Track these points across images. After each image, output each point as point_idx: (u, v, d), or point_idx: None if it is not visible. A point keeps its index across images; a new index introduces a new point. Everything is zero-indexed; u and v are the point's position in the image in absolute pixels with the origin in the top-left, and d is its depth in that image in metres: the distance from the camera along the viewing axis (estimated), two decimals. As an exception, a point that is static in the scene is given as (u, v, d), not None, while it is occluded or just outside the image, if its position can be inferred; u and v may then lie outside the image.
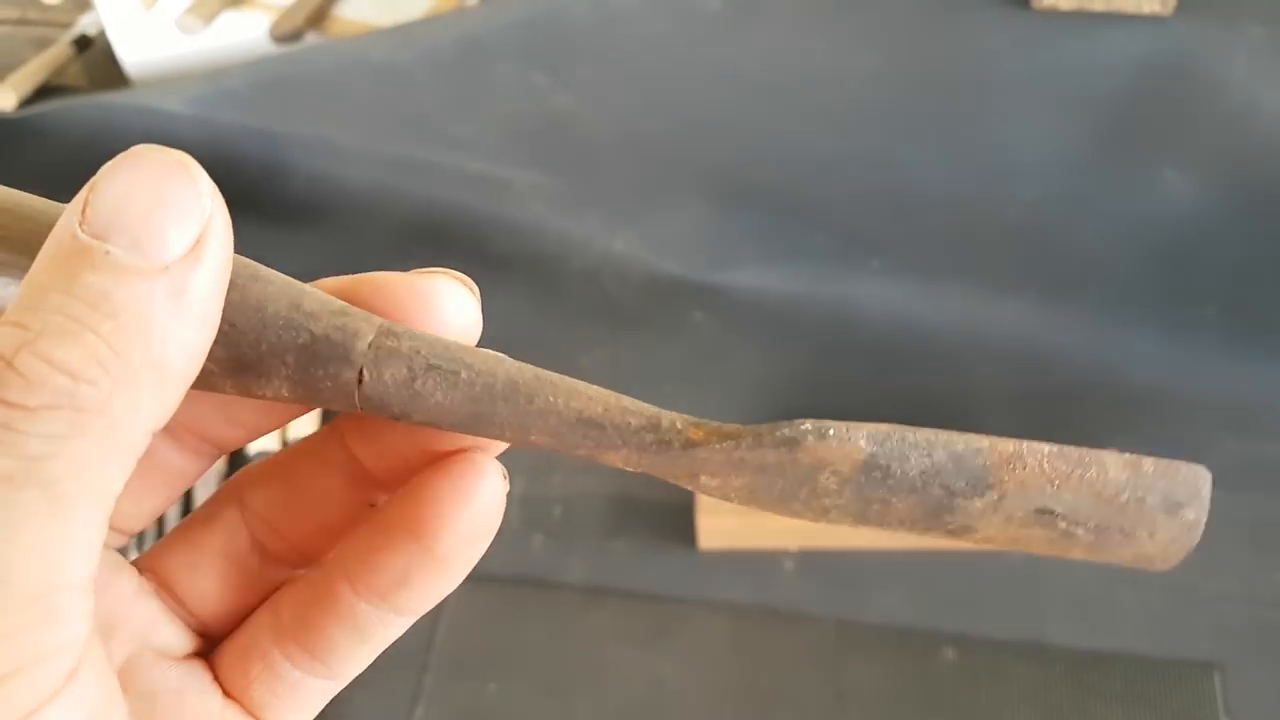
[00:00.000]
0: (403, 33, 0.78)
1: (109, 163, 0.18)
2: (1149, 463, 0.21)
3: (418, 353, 0.20)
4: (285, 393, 0.20)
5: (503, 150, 0.79)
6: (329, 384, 0.20)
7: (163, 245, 0.17)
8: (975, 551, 0.68)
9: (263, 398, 0.20)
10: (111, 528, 0.22)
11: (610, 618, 0.66)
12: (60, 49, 0.91)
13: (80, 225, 0.17)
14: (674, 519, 0.69)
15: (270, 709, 0.22)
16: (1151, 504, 0.21)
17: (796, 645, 0.65)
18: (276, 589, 0.23)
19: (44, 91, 0.88)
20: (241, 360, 0.20)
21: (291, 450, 0.24)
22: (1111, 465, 0.21)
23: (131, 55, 0.88)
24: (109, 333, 0.16)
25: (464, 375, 0.20)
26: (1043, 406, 0.74)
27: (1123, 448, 0.74)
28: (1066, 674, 0.63)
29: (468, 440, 0.22)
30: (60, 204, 0.20)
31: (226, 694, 0.22)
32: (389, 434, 0.22)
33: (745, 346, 0.79)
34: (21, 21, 0.96)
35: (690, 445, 0.21)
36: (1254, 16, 0.64)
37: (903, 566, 0.68)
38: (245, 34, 0.84)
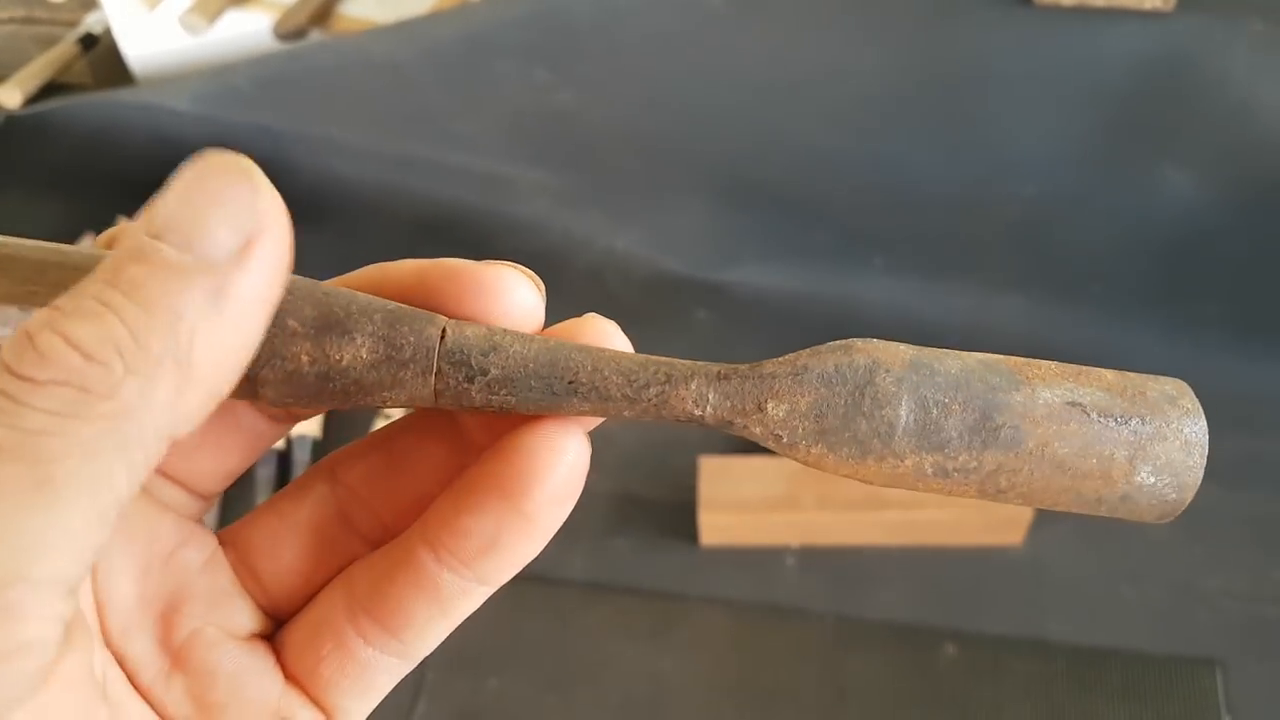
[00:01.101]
0: (405, 30, 0.78)
1: (184, 170, 0.18)
2: (1129, 374, 0.22)
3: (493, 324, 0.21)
4: (364, 353, 0.20)
5: (506, 148, 0.79)
6: (411, 339, 0.20)
7: (210, 244, 0.17)
8: (975, 547, 0.68)
9: (338, 362, 0.20)
10: (188, 490, 0.22)
11: (611, 613, 0.66)
12: (66, 47, 0.91)
13: (145, 235, 0.17)
14: (676, 516, 0.69)
15: (337, 689, 0.22)
16: (1151, 395, 0.21)
17: (797, 641, 0.65)
18: (349, 564, 0.23)
19: (50, 89, 0.88)
20: (330, 319, 0.20)
21: (392, 426, 0.23)
22: (1102, 370, 0.22)
23: (136, 53, 0.89)
24: (133, 319, 0.16)
25: (537, 335, 0.21)
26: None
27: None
28: (1067, 670, 0.63)
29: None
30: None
31: (289, 677, 0.22)
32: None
33: (748, 344, 0.80)
34: (27, 20, 0.97)
35: (756, 368, 0.22)
36: (1255, 12, 0.64)
37: (904, 562, 0.68)
38: (248, 32, 0.84)
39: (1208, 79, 0.65)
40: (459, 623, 0.22)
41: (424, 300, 0.21)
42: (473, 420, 0.23)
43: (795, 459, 0.22)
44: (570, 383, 0.21)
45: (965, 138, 0.73)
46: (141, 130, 0.85)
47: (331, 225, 0.85)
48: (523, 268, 0.22)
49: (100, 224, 0.83)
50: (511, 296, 0.22)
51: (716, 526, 0.67)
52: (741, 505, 0.67)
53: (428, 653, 0.22)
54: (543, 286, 0.23)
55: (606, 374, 0.21)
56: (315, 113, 0.80)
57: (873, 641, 0.65)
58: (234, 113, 0.82)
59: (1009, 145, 0.72)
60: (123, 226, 0.22)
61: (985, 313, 0.78)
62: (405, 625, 0.21)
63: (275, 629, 0.23)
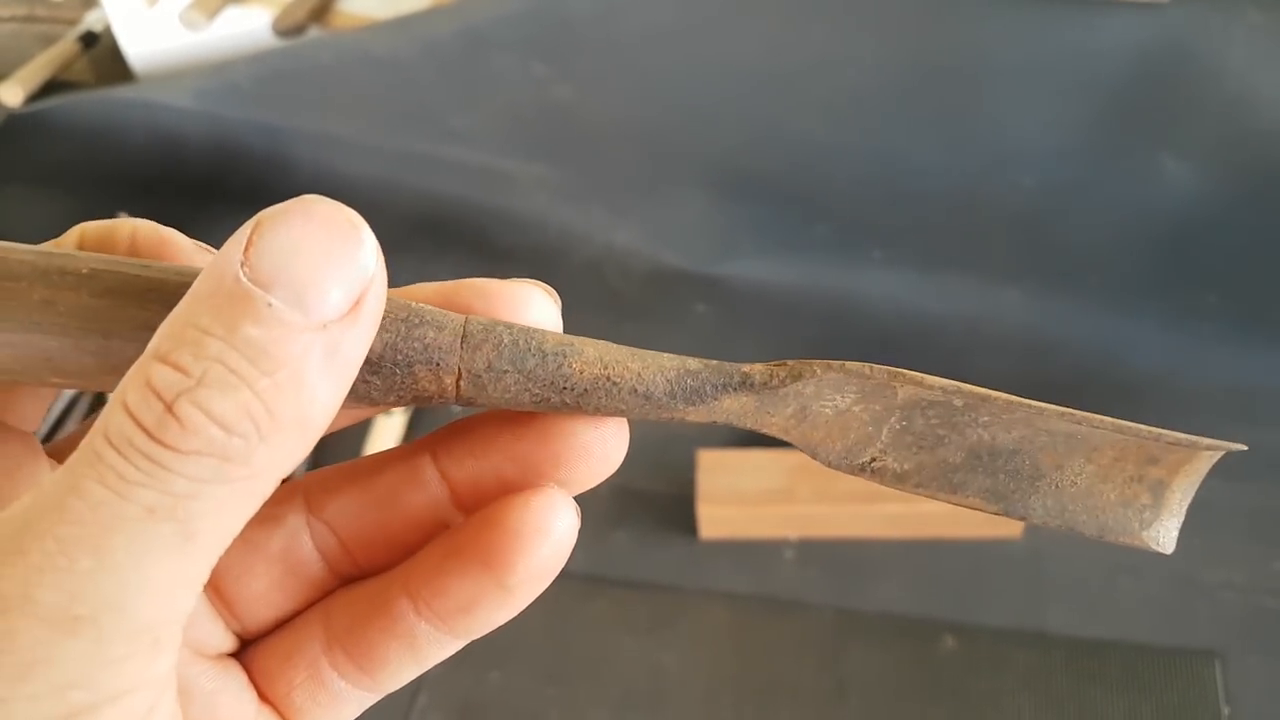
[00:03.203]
0: (404, 25, 0.78)
1: (278, 207, 0.17)
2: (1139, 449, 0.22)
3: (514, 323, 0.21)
4: (378, 345, 0.20)
5: (504, 142, 0.79)
6: (432, 336, 0.20)
7: (325, 304, 0.17)
8: (974, 540, 0.68)
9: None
10: None
11: (611, 607, 0.66)
12: (66, 45, 0.91)
13: (243, 267, 0.17)
14: (675, 509, 0.69)
15: (308, 715, 0.22)
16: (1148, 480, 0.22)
17: (797, 634, 0.65)
18: (324, 596, 0.23)
19: (51, 87, 0.89)
20: None
21: (373, 459, 0.24)
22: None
23: (137, 50, 0.89)
24: (264, 390, 0.17)
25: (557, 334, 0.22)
26: (1044, 395, 0.74)
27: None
28: (1066, 662, 0.63)
29: (553, 453, 0.22)
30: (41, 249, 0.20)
31: (262, 697, 0.22)
32: (481, 447, 0.22)
33: (748, 337, 0.80)
34: (29, 18, 0.97)
35: (797, 376, 0.22)
36: (1251, 2, 0.64)
37: (903, 555, 0.68)
38: (248, 28, 0.84)
39: (1205, 69, 0.65)
40: (429, 668, 0.22)
41: None
42: (458, 467, 0.23)
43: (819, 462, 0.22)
44: (611, 381, 0.21)
45: (963, 129, 0.73)
46: (142, 127, 0.86)
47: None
48: (543, 284, 0.22)
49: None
50: (531, 312, 0.22)
51: (715, 519, 0.68)
52: (740, 498, 0.67)
53: (395, 689, 0.23)
54: (559, 301, 0.23)
55: (635, 386, 0.21)
56: (315, 108, 0.80)
57: (872, 634, 0.65)
58: (234, 109, 0.82)
59: (1007, 137, 0.72)
60: (151, 231, 0.22)
61: (984, 304, 0.78)
62: (380, 666, 0.22)
63: (243, 648, 0.23)
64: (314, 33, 0.83)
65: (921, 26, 0.69)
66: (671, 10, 0.71)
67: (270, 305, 0.17)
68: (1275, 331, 0.74)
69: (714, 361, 0.22)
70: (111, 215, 0.84)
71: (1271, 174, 0.68)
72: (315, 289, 0.17)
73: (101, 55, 0.93)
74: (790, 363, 0.22)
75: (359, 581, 0.23)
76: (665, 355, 0.22)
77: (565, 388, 0.21)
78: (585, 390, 0.21)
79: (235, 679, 0.22)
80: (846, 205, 0.78)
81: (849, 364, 0.22)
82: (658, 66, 0.74)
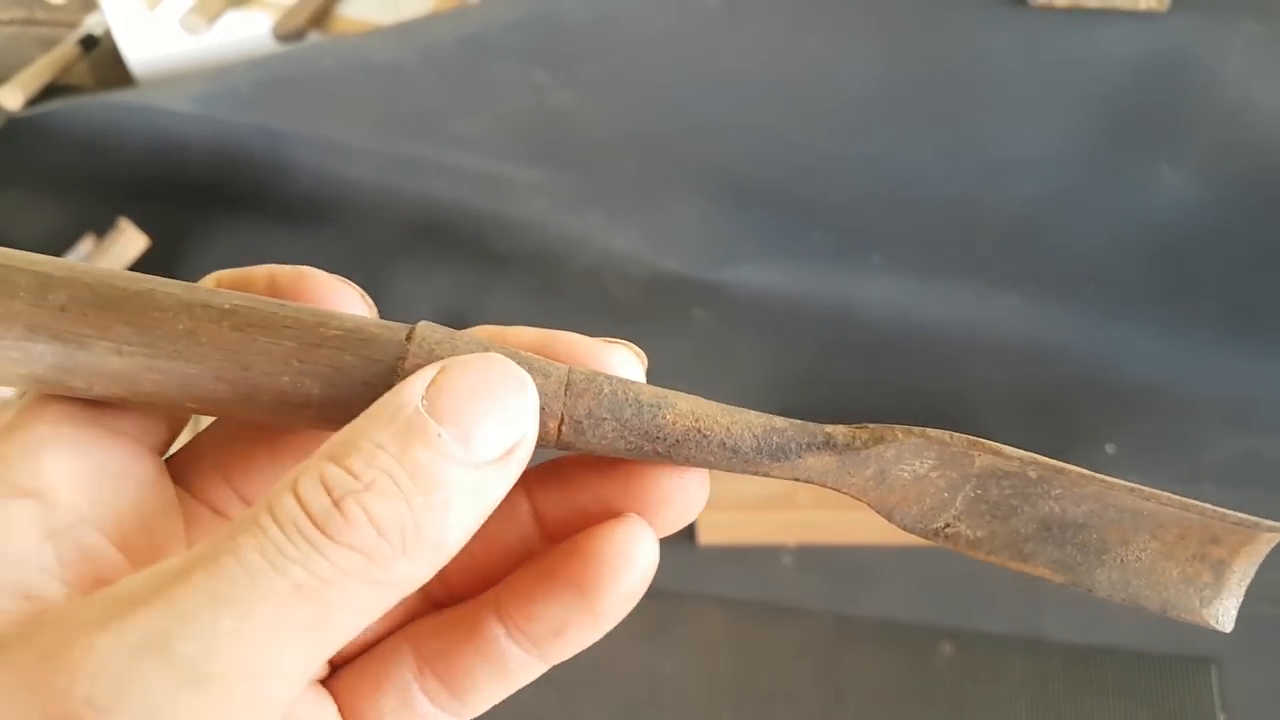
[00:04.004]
0: (404, 32, 0.78)
1: (464, 356, 0.21)
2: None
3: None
4: None
5: (504, 148, 0.80)
6: (540, 382, 0.22)
7: (484, 446, 0.20)
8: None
9: None
10: None
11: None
12: (66, 48, 0.91)
13: (423, 400, 0.19)
14: (674, 514, 0.69)
15: None
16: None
17: (795, 639, 0.65)
18: (410, 620, 0.24)
19: (51, 91, 0.89)
20: None
21: None
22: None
23: (137, 54, 0.89)
24: (418, 507, 0.19)
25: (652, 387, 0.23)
26: (1042, 402, 0.75)
27: (1121, 443, 0.75)
28: (1063, 668, 0.63)
29: (638, 497, 0.23)
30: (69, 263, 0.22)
31: None
32: (573, 487, 0.24)
33: (746, 343, 0.80)
34: (28, 21, 0.97)
35: (879, 440, 0.23)
36: (1249, 12, 0.64)
37: (900, 562, 0.68)
38: (248, 33, 0.85)
39: (1202, 79, 0.65)
40: (515, 690, 0.24)
41: None
42: (551, 499, 0.24)
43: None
44: (702, 434, 0.23)
45: (962, 138, 0.73)
46: (142, 131, 0.86)
47: (331, 225, 0.85)
48: (631, 345, 0.24)
49: (101, 225, 0.83)
50: (618, 370, 0.23)
51: (714, 525, 0.68)
52: (739, 504, 0.67)
53: (479, 714, 0.24)
54: (646, 362, 0.25)
55: (723, 439, 0.23)
56: (315, 114, 0.81)
57: (870, 640, 0.65)
58: (234, 114, 0.82)
59: (1005, 145, 0.72)
60: (287, 273, 0.23)
61: (983, 311, 0.78)
62: (470, 689, 0.23)
63: (328, 674, 0.24)
64: (314, 38, 0.84)
65: (920, 35, 0.69)
66: (671, 18, 0.71)
67: (440, 436, 0.19)
68: (1272, 339, 0.74)
69: (799, 421, 0.23)
70: (111, 220, 0.84)
71: (1269, 182, 0.69)
72: (480, 431, 0.20)
73: (101, 59, 0.93)
74: (872, 426, 0.23)
75: (446, 608, 0.24)
76: (752, 412, 0.23)
77: (658, 437, 0.22)
78: (677, 441, 0.22)
79: (327, 706, 0.23)
80: (845, 212, 0.78)
81: (930, 431, 0.23)
82: (657, 74, 0.74)
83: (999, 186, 0.74)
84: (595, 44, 0.73)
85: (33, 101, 0.87)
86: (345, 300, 0.23)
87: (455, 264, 0.83)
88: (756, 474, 0.23)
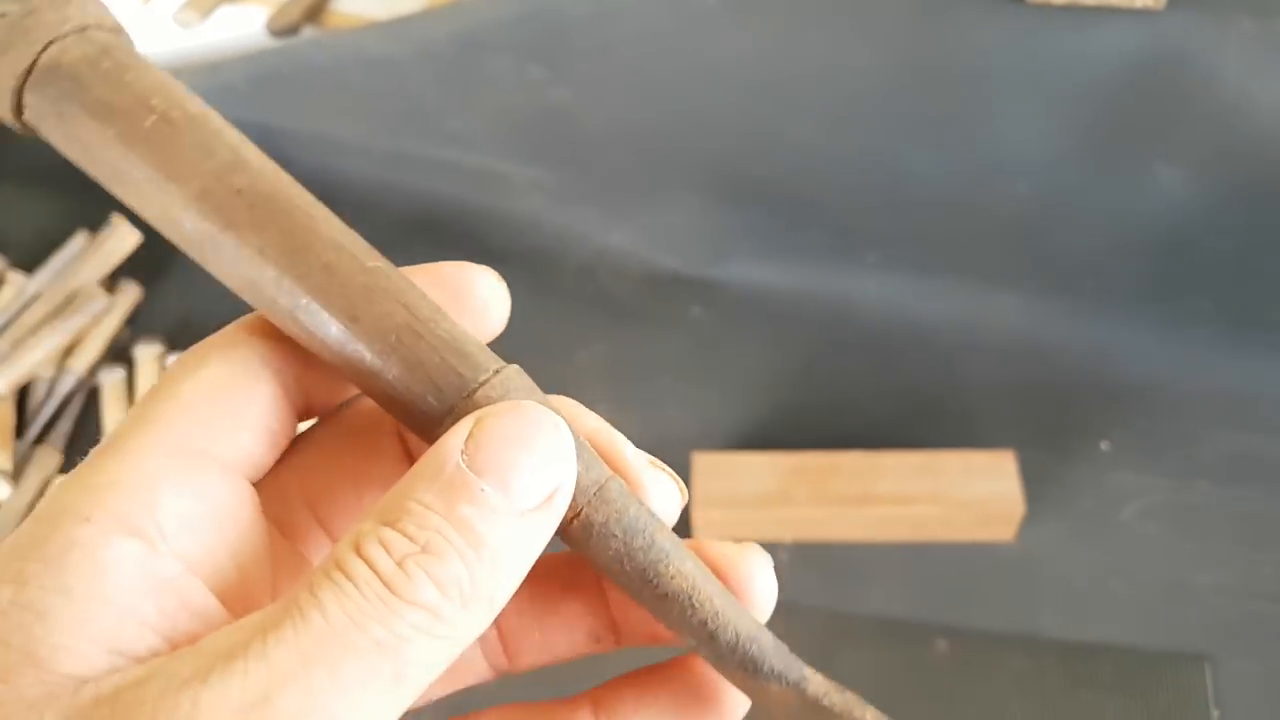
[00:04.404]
0: (399, 27, 0.78)
1: (497, 406, 0.21)
2: None
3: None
4: None
5: (499, 144, 0.79)
6: (581, 470, 0.22)
7: (525, 494, 0.20)
8: (967, 543, 0.68)
9: None
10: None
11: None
12: (59, 43, 0.91)
13: (463, 455, 0.20)
14: (669, 511, 0.69)
15: None
16: None
17: (790, 637, 0.65)
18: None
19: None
20: None
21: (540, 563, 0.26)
22: None
23: (130, 49, 0.88)
24: (470, 563, 0.20)
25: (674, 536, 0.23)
26: (1037, 398, 0.75)
27: (1117, 441, 0.75)
28: (1058, 665, 0.63)
29: None
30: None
31: None
32: (639, 707, 0.26)
33: (743, 341, 0.80)
34: (21, 15, 0.96)
35: (848, 711, 0.25)
36: (1245, 10, 0.64)
37: (896, 558, 0.68)
38: (242, 28, 0.84)
39: (1199, 77, 0.65)
40: None
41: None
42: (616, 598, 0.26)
43: None
44: (692, 603, 0.23)
45: (958, 136, 0.73)
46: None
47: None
48: (678, 480, 0.26)
49: (94, 222, 0.83)
50: (658, 497, 0.25)
51: (710, 523, 0.68)
52: (735, 501, 0.67)
53: None
54: (686, 498, 0.26)
55: (724, 621, 0.23)
56: (309, 109, 0.80)
57: (865, 637, 0.65)
58: (227, 109, 0.81)
59: (1001, 143, 0.72)
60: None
61: (978, 309, 0.78)
62: None
63: None
64: (308, 33, 0.83)
65: (916, 33, 0.69)
66: (667, 14, 0.71)
67: (483, 490, 0.20)
68: (1269, 337, 0.74)
69: (784, 646, 0.24)
70: (104, 218, 0.84)
71: (1264, 180, 0.69)
72: (520, 480, 0.20)
73: (95, 54, 0.92)
74: (850, 695, 0.25)
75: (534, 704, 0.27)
76: (750, 615, 0.24)
77: (652, 582, 0.23)
78: (665, 595, 0.23)
79: None
80: (842, 210, 0.78)
81: None
82: (653, 70, 0.74)
83: (995, 184, 0.74)
84: (592, 40, 0.73)
85: (26, 96, 0.87)
86: (481, 283, 0.25)
87: (451, 260, 0.83)
88: (719, 669, 0.24)
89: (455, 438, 0.21)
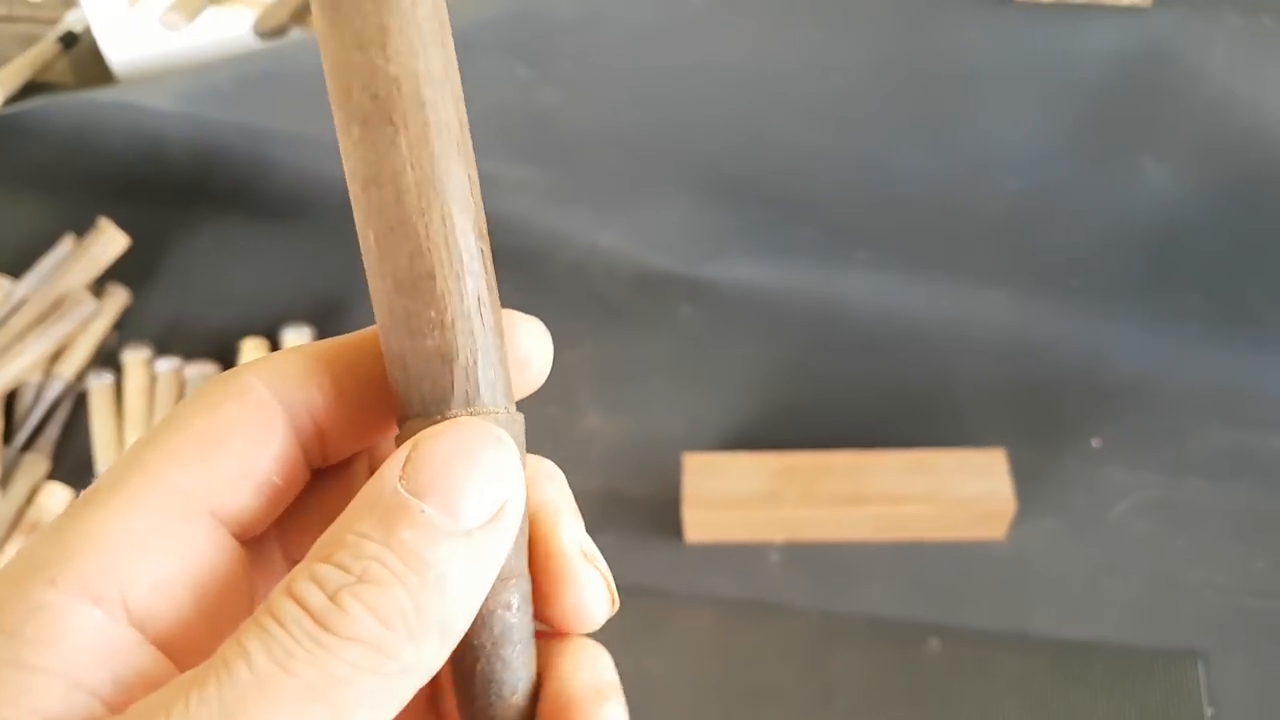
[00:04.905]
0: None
1: (434, 428, 0.20)
2: None
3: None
4: None
5: (487, 144, 0.79)
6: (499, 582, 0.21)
7: (470, 511, 0.19)
8: (959, 542, 0.68)
9: None
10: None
11: (597, 611, 0.66)
12: (46, 46, 0.90)
13: (401, 480, 0.19)
14: (660, 513, 0.69)
15: None
16: None
17: (783, 637, 0.65)
18: None
19: (30, 88, 0.88)
20: None
21: None
22: None
23: (117, 52, 0.88)
24: (414, 589, 0.18)
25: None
26: (1028, 396, 0.75)
27: (1108, 438, 0.75)
28: (1051, 663, 0.63)
29: None
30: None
31: None
32: None
33: (733, 340, 0.80)
34: (7, 18, 0.96)
35: None
36: (1232, 6, 0.64)
37: (888, 558, 0.68)
38: (229, 30, 0.84)
39: (1186, 74, 0.66)
40: None
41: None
42: None
43: None
44: None
45: (946, 134, 0.73)
46: (122, 129, 0.85)
47: (314, 222, 0.84)
48: (602, 651, 0.25)
49: (81, 224, 0.83)
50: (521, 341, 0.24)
51: (701, 523, 0.68)
52: (726, 502, 0.67)
53: None
54: (611, 673, 0.25)
55: None
56: (297, 111, 0.80)
57: (857, 637, 0.65)
58: (215, 111, 0.82)
59: (990, 141, 0.72)
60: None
61: (968, 306, 0.78)
62: None
63: None
64: (295, 35, 0.83)
65: (904, 32, 0.69)
66: (654, 14, 0.71)
67: (423, 511, 0.19)
68: (1258, 332, 0.75)
69: None
70: (92, 219, 0.84)
71: (1252, 176, 0.69)
72: (463, 497, 0.19)
73: (81, 56, 0.92)
74: None
75: None
76: None
77: (485, 695, 0.22)
78: (484, 704, 0.22)
79: None
80: (831, 208, 0.78)
81: None
82: (641, 70, 0.74)
83: (984, 182, 0.74)
84: (579, 40, 0.73)
85: (12, 99, 0.86)
86: (525, 332, 0.24)
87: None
88: None
89: (393, 464, 0.20)
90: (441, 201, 0.21)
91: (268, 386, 0.22)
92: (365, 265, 0.22)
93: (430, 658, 0.19)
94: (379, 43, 0.21)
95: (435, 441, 0.20)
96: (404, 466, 0.19)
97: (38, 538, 0.20)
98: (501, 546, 0.20)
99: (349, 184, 0.22)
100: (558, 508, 0.23)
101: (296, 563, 0.22)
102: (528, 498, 0.22)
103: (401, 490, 0.19)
